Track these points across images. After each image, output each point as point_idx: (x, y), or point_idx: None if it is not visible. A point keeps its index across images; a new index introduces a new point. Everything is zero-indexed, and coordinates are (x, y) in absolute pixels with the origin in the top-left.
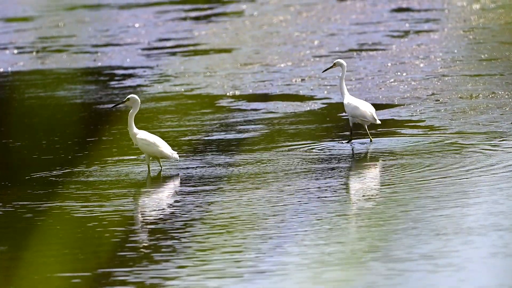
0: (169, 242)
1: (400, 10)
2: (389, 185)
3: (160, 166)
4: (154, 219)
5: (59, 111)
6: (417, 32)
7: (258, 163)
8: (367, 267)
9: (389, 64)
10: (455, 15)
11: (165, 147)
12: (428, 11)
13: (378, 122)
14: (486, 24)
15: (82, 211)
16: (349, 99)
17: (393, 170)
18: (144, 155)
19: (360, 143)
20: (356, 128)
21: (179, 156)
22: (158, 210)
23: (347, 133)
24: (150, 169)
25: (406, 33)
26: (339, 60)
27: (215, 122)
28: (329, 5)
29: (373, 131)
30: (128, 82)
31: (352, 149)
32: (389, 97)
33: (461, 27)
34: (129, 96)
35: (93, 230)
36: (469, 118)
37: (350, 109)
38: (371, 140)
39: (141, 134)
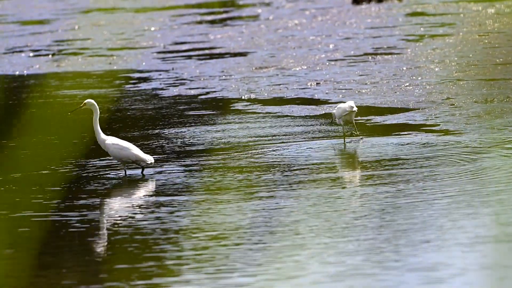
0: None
1: (415, 14)
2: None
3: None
4: (121, 228)
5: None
6: (432, 36)
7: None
8: (355, 278)
9: (404, 68)
10: (470, 20)
11: (138, 151)
12: (443, 15)
13: (355, 109)
14: (501, 28)
15: (53, 218)
16: (338, 106)
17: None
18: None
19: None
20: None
21: (157, 160)
22: (127, 218)
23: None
24: (127, 174)
25: (421, 37)
26: None
27: (223, 125)
28: (344, 9)
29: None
30: (144, 86)
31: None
32: (404, 101)
33: (476, 31)
34: (85, 101)
35: (59, 237)
36: (483, 123)
37: (339, 112)
38: (358, 135)
39: (111, 140)
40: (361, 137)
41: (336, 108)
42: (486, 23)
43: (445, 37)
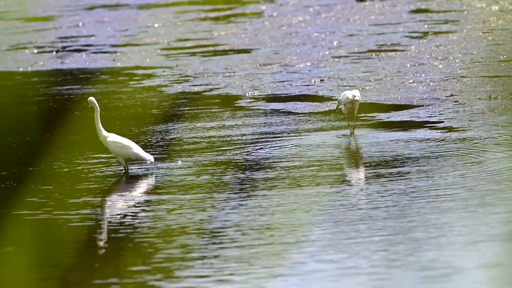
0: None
1: (419, 11)
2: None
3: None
4: (122, 225)
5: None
6: (436, 33)
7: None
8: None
9: (408, 65)
10: (474, 17)
11: (139, 149)
12: (447, 12)
13: (357, 98)
14: (505, 25)
15: (50, 216)
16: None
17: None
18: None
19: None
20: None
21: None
22: (126, 216)
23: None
24: (128, 172)
25: (425, 34)
26: None
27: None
28: (348, 6)
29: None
30: (148, 82)
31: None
32: (407, 98)
33: (480, 28)
34: (88, 100)
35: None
36: (487, 119)
37: (343, 99)
38: (352, 132)
39: (112, 137)
40: (354, 134)
41: (342, 94)
42: (490, 20)
43: (449, 34)
